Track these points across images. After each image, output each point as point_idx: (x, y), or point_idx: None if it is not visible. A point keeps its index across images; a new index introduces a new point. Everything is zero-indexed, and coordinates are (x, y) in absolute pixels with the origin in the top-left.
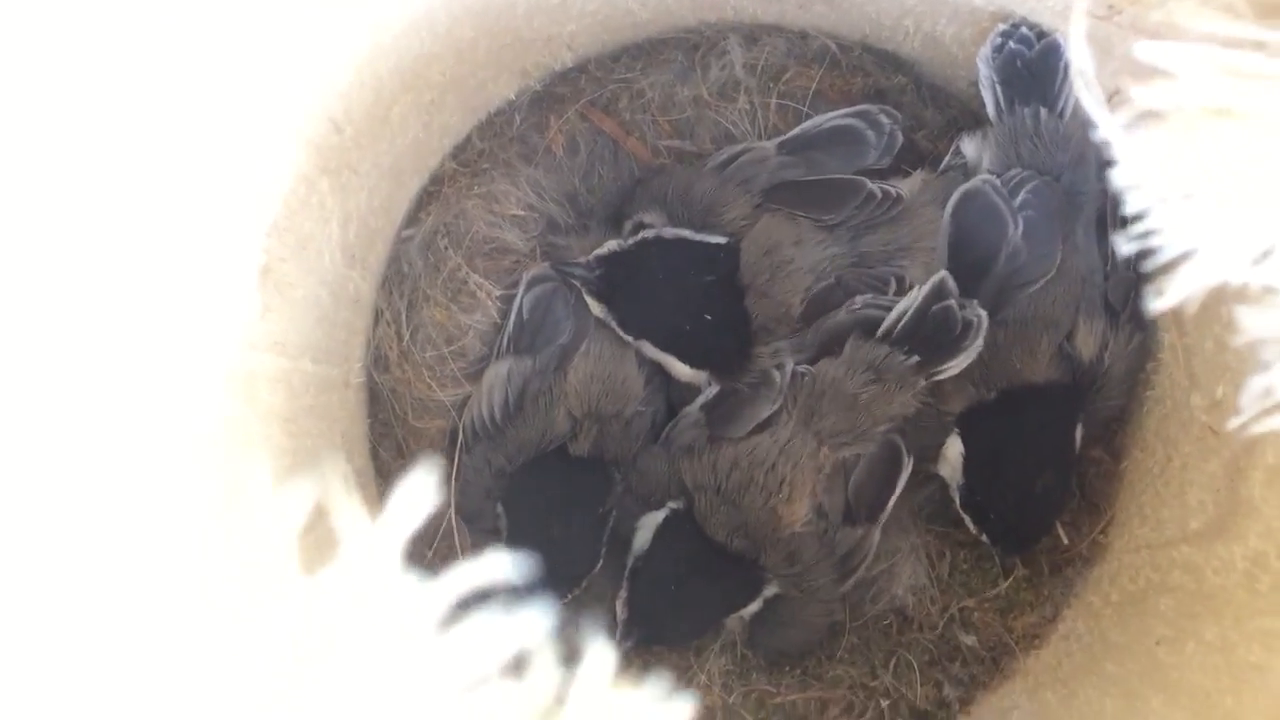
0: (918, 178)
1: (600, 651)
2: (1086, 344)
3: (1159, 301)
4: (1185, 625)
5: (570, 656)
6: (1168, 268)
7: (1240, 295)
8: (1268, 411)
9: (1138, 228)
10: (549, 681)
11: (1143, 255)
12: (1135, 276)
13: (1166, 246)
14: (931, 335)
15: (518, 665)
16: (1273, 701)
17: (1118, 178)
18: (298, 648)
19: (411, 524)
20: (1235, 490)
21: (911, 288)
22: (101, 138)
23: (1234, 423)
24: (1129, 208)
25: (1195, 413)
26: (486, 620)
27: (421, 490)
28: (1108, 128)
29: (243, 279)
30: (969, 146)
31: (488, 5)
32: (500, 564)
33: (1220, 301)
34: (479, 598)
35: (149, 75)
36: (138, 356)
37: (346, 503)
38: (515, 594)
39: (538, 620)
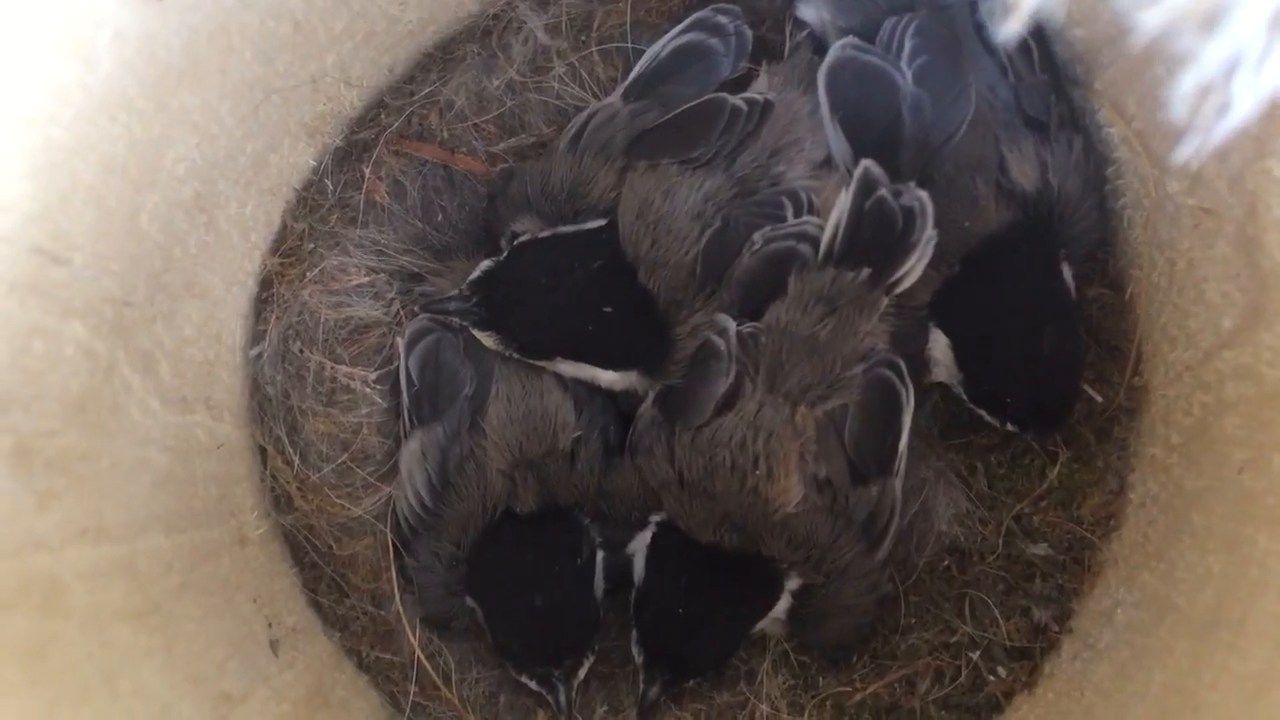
0: (763, 73)
1: None
2: (1023, 172)
3: (1011, 25)
4: (1262, 439)
5: None
6: None
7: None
8: (1213, 110)
9: None
10: None
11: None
12: (1044, 76)
13: None
14: (873, 238)
15: None
16: None
17: None
18: None
19: None
20: (1256, 264)
21: (810, 204)
22: None
23: (1185, 150)
24: None
25: (1179, 200)
26: None
27: None
28: None
29: None
30: (806, 10)
31: (194, 60)
32: None
33: (1147, 63)
34: None
35: None
36: None
37: None
38: None
39: None
